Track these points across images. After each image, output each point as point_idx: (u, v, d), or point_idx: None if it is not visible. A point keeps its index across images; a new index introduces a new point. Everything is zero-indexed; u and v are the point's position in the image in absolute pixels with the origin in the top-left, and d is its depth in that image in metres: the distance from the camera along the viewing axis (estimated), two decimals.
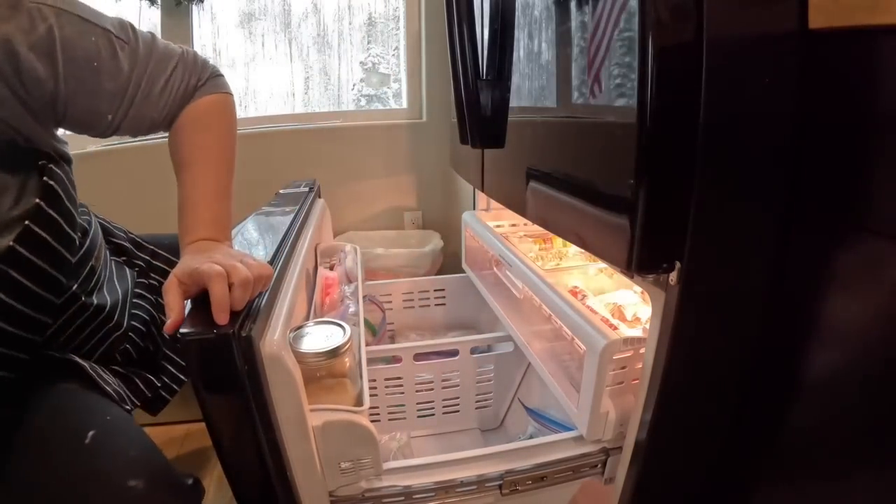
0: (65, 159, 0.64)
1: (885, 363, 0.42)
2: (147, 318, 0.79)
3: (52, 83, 0.54)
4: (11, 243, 0.55)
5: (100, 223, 0.79)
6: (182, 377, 0.80)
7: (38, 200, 0.57)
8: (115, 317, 0.73)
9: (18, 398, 0.58)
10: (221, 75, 0.69)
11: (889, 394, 0.42)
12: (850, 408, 0.46)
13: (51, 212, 0.59)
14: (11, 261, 0.55)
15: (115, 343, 0.72)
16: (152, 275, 0.85)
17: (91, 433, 0.56)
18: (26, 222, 0.56)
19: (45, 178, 0.59)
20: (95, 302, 0.70)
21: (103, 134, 0.63)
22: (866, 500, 0.46)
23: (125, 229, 0.87)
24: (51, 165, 0.59)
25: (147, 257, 0.86)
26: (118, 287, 0.76)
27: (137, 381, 0.74)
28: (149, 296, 0.82)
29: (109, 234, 0.83)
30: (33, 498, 0.52)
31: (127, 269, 0.81)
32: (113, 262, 0.79)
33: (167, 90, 0.63)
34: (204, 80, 0.67)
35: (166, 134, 0.67)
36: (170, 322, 0.49)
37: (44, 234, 0.58)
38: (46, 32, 0.52)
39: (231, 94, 0.70)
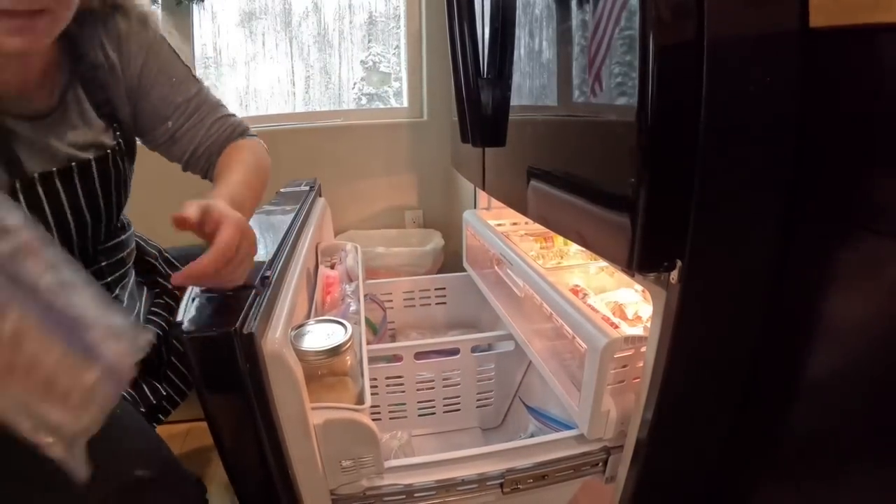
0: (131, 148, 0.73)
1: (886, 363, 0.42)
2: (160, 332, 0.80)
3: (143, 78, 0.69)
4: (91, 157, 0.65)
5: (136, 238, 0.84)
6: (186, 389, 0.81)
7: (116, 144, 0.68)
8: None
9: None
10: (256, 136, 0.81)
11: (889, 393, 0.42)
12: (850, 407, 0.46)
13: (119, 161, 0.69)
14: (83, 170, 0.64)
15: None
16: (171, 288, 0.86)
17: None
18: (107, 151, 0.67)
19: (117, 134, 0.69)
20: (117, 295, 0.72)
21: (156, 139, 0.74)
22: (866, 500, 0.46)
23: (159, 247, 0.90)
24: (125, 133, 0.70)
25: (167, 271, 0.88)
26: (137, 301, 0.79)
27: (144, 386, 0.75)
28: (164, 313, 0.84)
29: (143, 251, 0.85)
30: (40, 483, 0.52)
31: (146, 289, 0.83)
32: (135, 281, 0.81)
33: (216, 126, 0.75)
34: (244, 130, 0.79)
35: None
36: (177, 214, 0.48)
37: (112, 171, 0.68)
38: (149, 44, 0.69)
39: (264, 147, 0.80)
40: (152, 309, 0.82)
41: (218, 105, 0.76)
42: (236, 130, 0.77)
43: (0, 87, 0.57)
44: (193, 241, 0.55)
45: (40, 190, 0.61)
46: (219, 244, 0.48)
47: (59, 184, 0.62)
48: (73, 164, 0.63)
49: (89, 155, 0.65)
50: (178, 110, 0.72)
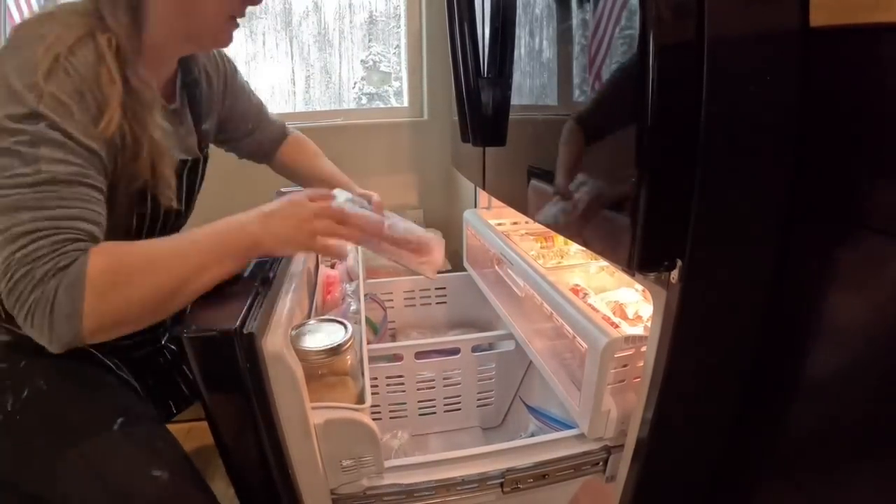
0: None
1: (886, 362, 0.42)
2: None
3: (226, 96, 0.87)
4: (200, 155, 0.77)
5: None
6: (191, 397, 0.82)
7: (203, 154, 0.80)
8: (160, 329, 0.78)
9: (48, 371, 0.60)
10: None
11: (890, 393, 0.42)
12: (851, 407, 0.46)
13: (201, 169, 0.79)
14: (194, 165, 0.75)
15: (154, 354, 0.77)
16: None
17: (120, 420, 0.58)
18: (204, 152, 0.79)
19: (201, 142, 0.79)
20: None
21: (238, 141, 0.95)
22: (867, 500, 0.46)
23: None
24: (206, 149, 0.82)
25: None
26: None
27: (160, 400, 0.76)
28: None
29: None
30: (60, 478, 0.54)
31: None
32: None
33: (271, 125, 1.00)
34: (284, 125, 1.04)
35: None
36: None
37: (199, 174, 0.79)
38: (233, 68, 0.90)
39: None
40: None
41: (263, 105, 0.98)
42: (283, 127, 1.02)
43: (158, 84, 0.65)
44: None
45: (184, 175, 0.72)
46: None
47: (186, 173, 0.72)
48: (192, 158, 0.74)
49: (199, 153, 0.76)
50: (254, 117, 0.94)
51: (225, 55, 0.87)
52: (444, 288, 1.31)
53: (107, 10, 0.56)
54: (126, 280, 0.50)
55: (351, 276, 1.04)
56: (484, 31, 0.74)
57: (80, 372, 0.63)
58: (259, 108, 0.96)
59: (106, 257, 0.49)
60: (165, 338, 0.79)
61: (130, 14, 0.57)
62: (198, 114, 0.77)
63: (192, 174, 0.75)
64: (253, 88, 0.96)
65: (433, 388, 1.08)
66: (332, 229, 0.63)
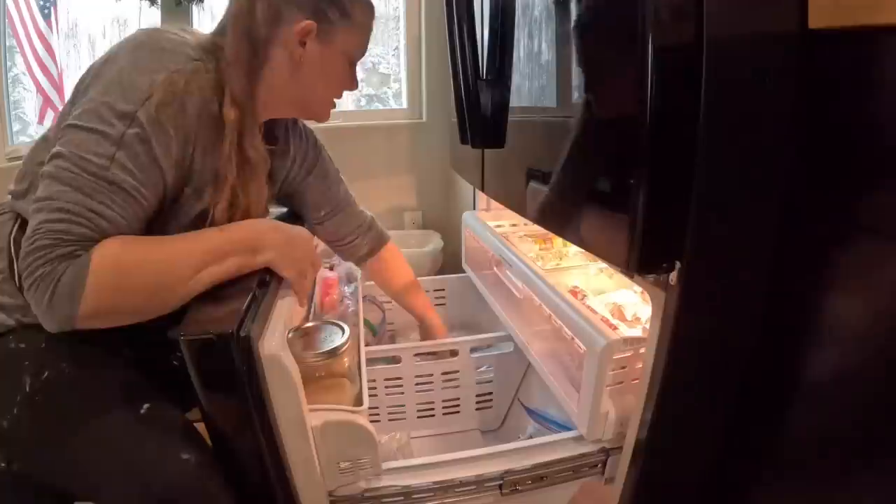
0: None
1: (885, 363, 0.42)
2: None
3: (302, 171, 0.87)
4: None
5: None
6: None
7: None
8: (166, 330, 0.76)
9: (71, 355, 0.60)
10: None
11: (889, 394, 0.42)
12: (849, 408, 0.46)
13: None
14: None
15: (155, 353, 0.74)
16: None
17: (146, 405, 0.58)
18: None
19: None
20: None
21: (310, 220, 0.90)
22: (866, 500, 0.46)
23: None
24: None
25: None
26: None
27: (175, 391, 0.75)
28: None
29: None
30: (84, 460, 0.54)
31: None
32: None
33: (364, 224, 0.97)
34: (384, 232, 1.01)
35: None
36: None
37: None
38: (317, 149, 0.92)
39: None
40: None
41: (355, 204, 0.95)
42: (383, 235, 0.99)
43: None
44: None
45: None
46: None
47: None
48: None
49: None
50: (330, 203, 0.90)
51: (311, 135, 0.89)
52: (443, 290, 1.30)
53: (231, 69, 0.60)
54: (128, 271, 0.53)
55: (349, 278, 1.04)
56: (483, 32, 0.74)
57: (101, 358, 0.63)
58: (343, 200, 0.93)
59: (114, 248, 0.52)
60: (167, 344, 0.79)
61: (249, 76, 0.62)
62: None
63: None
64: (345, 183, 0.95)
65: (432, 389, 1.08)
66: (310, 279, 0.69)
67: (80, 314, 0.50)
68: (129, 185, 0.53)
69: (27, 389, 0.56)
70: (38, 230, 0.51)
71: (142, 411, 0.58)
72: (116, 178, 0.52)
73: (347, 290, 0.96)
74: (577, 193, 0.58)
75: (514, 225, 1.14)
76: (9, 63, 1.50)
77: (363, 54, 0.75)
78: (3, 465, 0.58)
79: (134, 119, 0.52)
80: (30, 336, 0.60)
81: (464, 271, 1.26)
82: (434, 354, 1.05)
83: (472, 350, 1.07)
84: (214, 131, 0.60)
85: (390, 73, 1.80)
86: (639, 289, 0.76)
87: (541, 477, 0.69)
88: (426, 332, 1.07)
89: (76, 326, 0.51)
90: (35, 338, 0.60)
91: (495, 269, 1.04)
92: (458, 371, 1.08)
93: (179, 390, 0.77)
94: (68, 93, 0.61)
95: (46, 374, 0.57)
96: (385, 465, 0.67)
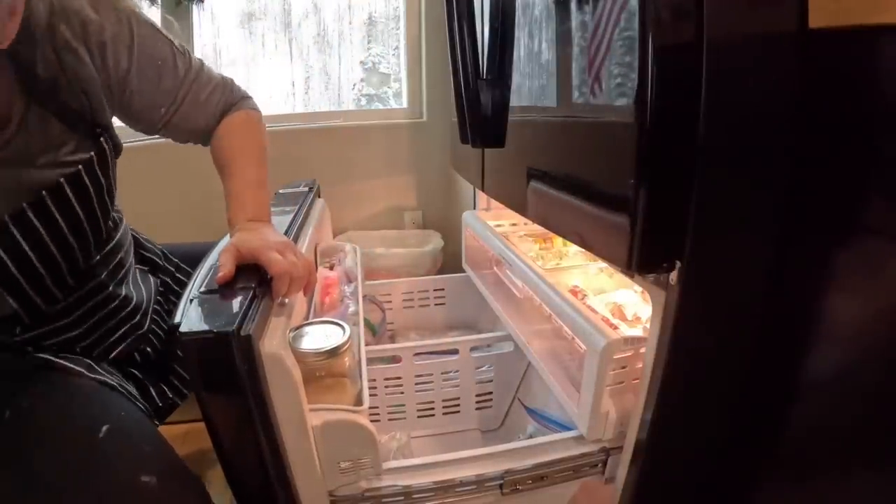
0: (116, 147, 0.70)
1: (885, 363, 0.42)
2: (165, 326, 0.80)
3: (126, 71, 0.65)
4: (61, 179, 0.61)
5: (131, 233, 0.82)
6: (185, 391, 0.80)
7: (92, 154, 0.64)
8: (139, 316, 0.75)
9: (29, 389, 0.59)
10: (251, 97, 0.81)
11: (889, 394, 0.42)
12: (850, 407, 0.46)
13: (98, 170, 0.65)
14: (55, 195, 0.61)
15: (134, 342, 0.74)
16: (175, 287, 0.87)
17: (105, 427, 0.57)
18: (79, 167, 0.63)
19: (101, 139, 0.66)
20: (123, 293, 0.72)
21: (153, 128, 0.72)
22: (866, 500, 0.46)
23: (153, 241, 0.89)
24: (107, 135, 0.67)
25: (172, 269, 0.88)
26: (143, 289, 0.78)
27: (152, 390, 0.75)
28: (168, 306, 0.84)
29: (139, 245, 0.85)
30: (46, 489, 0.52)
31: (150, 277, 0.83)
32: (138, 269, 0.81)
33: (210, 100, 0.74)
34: (237, 99, 0.78)
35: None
36: (220, 275, 0.55)
37: (88, 185, 0.64)
38: (129, 30, 0.65)
39: (259, 112, 0.80)
40: (157, 297, 0.81)
41: (206, 77, 0.73)
42: (227, 102, 0.76)
43: None
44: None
45: (15, 231, 0.58)
46: (274, 288, 0.58)
47: (33, 218, 0.59)
48: (44, 192, 0.59)
49: (58, 177, 0.61)
50: (170, 95, 0.69)
51: (124, 18, 0.64)
52: (443, 289, 1.31)
53: None
54: None
55: (349, 278, 1.04)
56: (483, 32, 0.74)
57: (64, 383, 0.62)
58: (185, 86, 0.71)
59: None
60: (146, 326, 0.76)
61: None
62: (73, 112, 0.61)
63: (61, 201, 0.62)
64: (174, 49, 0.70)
65: (432, 389, 1.08)
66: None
67: None
68: None
69: None
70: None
71: (101, 435, 0.56)
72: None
73: (347, 289, 0.96)
74: (577, 193, 0.58)
75: (514, 224, 1.14)
76: None
77: None
78: None
79: None
80: None
81: (464, 271, 1.26)
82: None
83: (472, 349, 1.07)
84: None
85: (390, 72, 1.80)
86: (639, 288, 0.76)
87: (541, 476, 0.69)
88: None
89: None
90: None
91: (495, 268, 1.04)
92: (458, 371, 1.08)
93: (158, 382, 0.76)
94: None
95: (8, 413, 0.57)
96: (385, 465, 0.67)
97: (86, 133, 0.64)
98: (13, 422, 0.56)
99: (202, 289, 0.56)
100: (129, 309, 0.73)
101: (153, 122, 0.71)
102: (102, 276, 0.70)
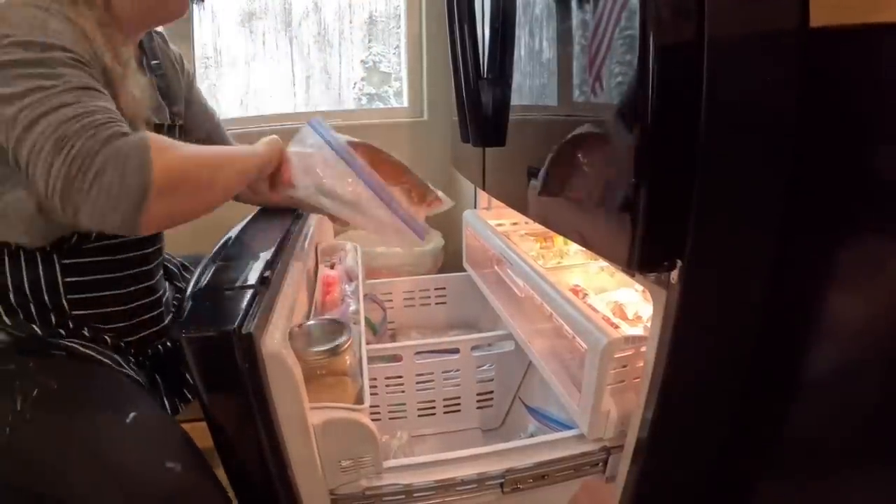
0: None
1: (887, 362, 0.42)
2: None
3: (188, 89, 0.85)
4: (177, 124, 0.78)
5: None
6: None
7: (171, 122, 0.77)
8: (161, 308, 0.77)
9: (57, 371, 0.61)
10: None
11: (889, 393, 0.42)
12: (850, 407, 0.46)
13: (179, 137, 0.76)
14: (171, 130, 0.76)
15: (154, 335, 0.76)
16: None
17: (133, 414, 0.58)
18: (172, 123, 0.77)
19: (174, 116, 0.78)
20: (157, 276, 0.76)
21: (194, 133, 0.85)
22: (866, 500, 0.46)
23: (171, 253, 0.91)
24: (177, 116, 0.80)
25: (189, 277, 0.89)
26: (165, 286, 0.81)
27: (165, 398, 0.76)
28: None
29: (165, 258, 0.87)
30: (74, 472, 0.54)
31: (166, 283, 0.84)
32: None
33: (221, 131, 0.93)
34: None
35: None
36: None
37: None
38: (191, 79, 0.87)
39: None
40: (173, 302, 0.83)
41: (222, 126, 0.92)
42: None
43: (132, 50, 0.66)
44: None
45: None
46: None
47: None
48: (167, 124, 0.74)
49: (170, 122, 0.75)
50: (206, 128, 0.87)
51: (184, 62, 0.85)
52: (444, 288, 1.31)
53: None
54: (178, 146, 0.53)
55: (350, 277, 1.04)
56: (484, 31, 0.74)
57: (90, 370, 0.63)
58: (215, 123, 0.90)
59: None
60: (165, 321, 0.79)
61: None
62: (165, 94, 0.76)
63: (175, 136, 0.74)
64: (213, 84, 0.92)
65: (433, 388, 1.08)
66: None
67: (154, 186, 0.47)
68: (89, 84, 0.52)
69: (18, 408, 0.57)
70: (65, 138, 0.46)
71: (127, 420, 0.58)
72: (80, 83, 0.51)
73: (348, 288, 0.96)
74: (578, 192, 0.58)
75: (514, 223, 1.14)
76: None
77: None
78: None
79: (48, 45, 0.51)
80: (17, 356, 0.61)
81: (464, 270, 1.26)
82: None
83: (473, 348, 1.07)
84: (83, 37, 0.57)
85: (391, 71, 1.80)
86: (640, 287, 0.76)
87: (542, 475, 0.69)
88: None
89: (149, 211, 0.48)
90: (23, 358, 0.61)
91: (496, 267, 1.04)
92: (458, 370, 1.08)
93: (175, 385, 0.78)
94: None
95: (36, 392, 0.58)
96: (386, 464, 0.67)
97: (168, 107, 0.77)
98: (40, 402, 0.57)
99: (203, 287, 0.56)
100: (156, 296, 0.75)
101: (198, 128, 0.86)
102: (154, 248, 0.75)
